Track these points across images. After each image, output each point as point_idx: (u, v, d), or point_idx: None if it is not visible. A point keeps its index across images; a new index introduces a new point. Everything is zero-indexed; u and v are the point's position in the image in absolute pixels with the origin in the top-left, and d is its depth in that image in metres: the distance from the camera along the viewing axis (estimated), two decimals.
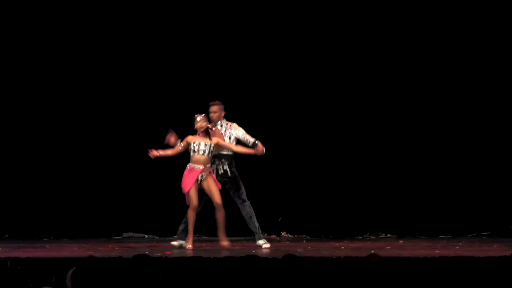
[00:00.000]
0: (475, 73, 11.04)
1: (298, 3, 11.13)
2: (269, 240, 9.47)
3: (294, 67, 11.16)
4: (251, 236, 9.47)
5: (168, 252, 8.06)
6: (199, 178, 9.01)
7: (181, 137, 9.16)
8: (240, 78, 11.05)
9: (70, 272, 4.30)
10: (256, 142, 9.16)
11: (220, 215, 9.08)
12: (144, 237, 11.05)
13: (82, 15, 11.05)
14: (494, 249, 8.40)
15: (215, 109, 9.42)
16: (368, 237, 10.91)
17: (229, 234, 9.35)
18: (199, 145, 9.04)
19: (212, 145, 9.06)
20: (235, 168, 9.33)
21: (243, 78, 11.06)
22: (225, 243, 9.13)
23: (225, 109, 9.43)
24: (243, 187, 9.30)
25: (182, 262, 6.69)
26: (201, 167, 9.01)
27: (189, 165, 9.06)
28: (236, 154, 9.31)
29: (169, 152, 9.16)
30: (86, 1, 11.11)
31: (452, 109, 11.08)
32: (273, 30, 11.13)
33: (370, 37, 11.11)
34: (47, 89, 11.09)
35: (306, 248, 9.00)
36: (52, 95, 11.10)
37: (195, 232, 9.19)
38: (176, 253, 8.04)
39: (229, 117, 9.47)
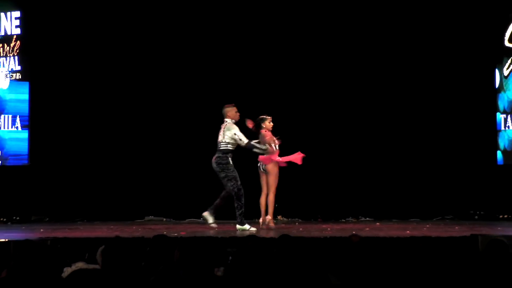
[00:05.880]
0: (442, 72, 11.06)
1: (304, 7, 11.11)
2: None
3: (289, 63, 11.05)
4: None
5: (182, 233, 8.11)
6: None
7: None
8: (239, 76, 10.94)
9: (100, 250, 4.34)
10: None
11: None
12: (162, 220, 11.05)
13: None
14: (456, 231, 8.45)
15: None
16: (350, 220, 10.92)
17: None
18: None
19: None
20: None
21: (242, 76, 10.96)
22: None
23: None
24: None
25: (194, 241, 6.73)
26: None
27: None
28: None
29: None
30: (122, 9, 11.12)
31: (419, 106, 11.05)
32: (278, 32, 11.03)
33: (369, 39, 11.05)
34: (88, 85, 11.04)
35: (299, 229, 9.00)
36: (87, 90, 11.06)
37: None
38: (189, 233, 8.05)
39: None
